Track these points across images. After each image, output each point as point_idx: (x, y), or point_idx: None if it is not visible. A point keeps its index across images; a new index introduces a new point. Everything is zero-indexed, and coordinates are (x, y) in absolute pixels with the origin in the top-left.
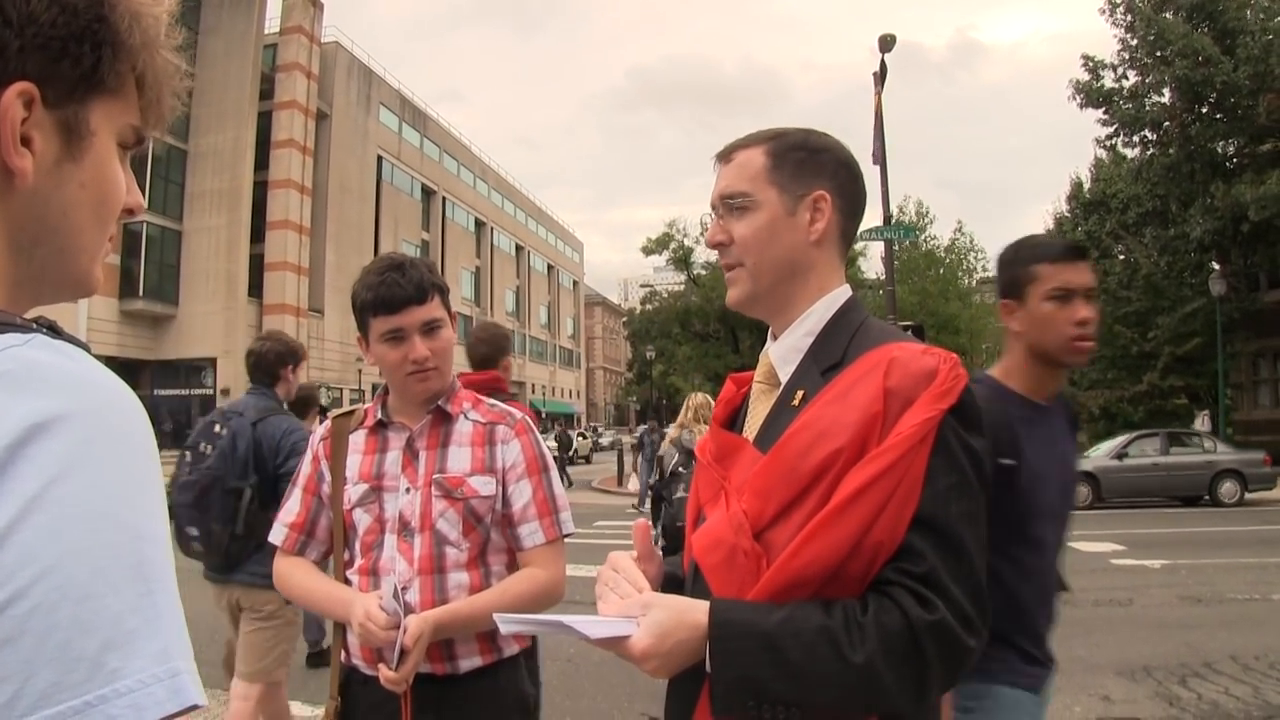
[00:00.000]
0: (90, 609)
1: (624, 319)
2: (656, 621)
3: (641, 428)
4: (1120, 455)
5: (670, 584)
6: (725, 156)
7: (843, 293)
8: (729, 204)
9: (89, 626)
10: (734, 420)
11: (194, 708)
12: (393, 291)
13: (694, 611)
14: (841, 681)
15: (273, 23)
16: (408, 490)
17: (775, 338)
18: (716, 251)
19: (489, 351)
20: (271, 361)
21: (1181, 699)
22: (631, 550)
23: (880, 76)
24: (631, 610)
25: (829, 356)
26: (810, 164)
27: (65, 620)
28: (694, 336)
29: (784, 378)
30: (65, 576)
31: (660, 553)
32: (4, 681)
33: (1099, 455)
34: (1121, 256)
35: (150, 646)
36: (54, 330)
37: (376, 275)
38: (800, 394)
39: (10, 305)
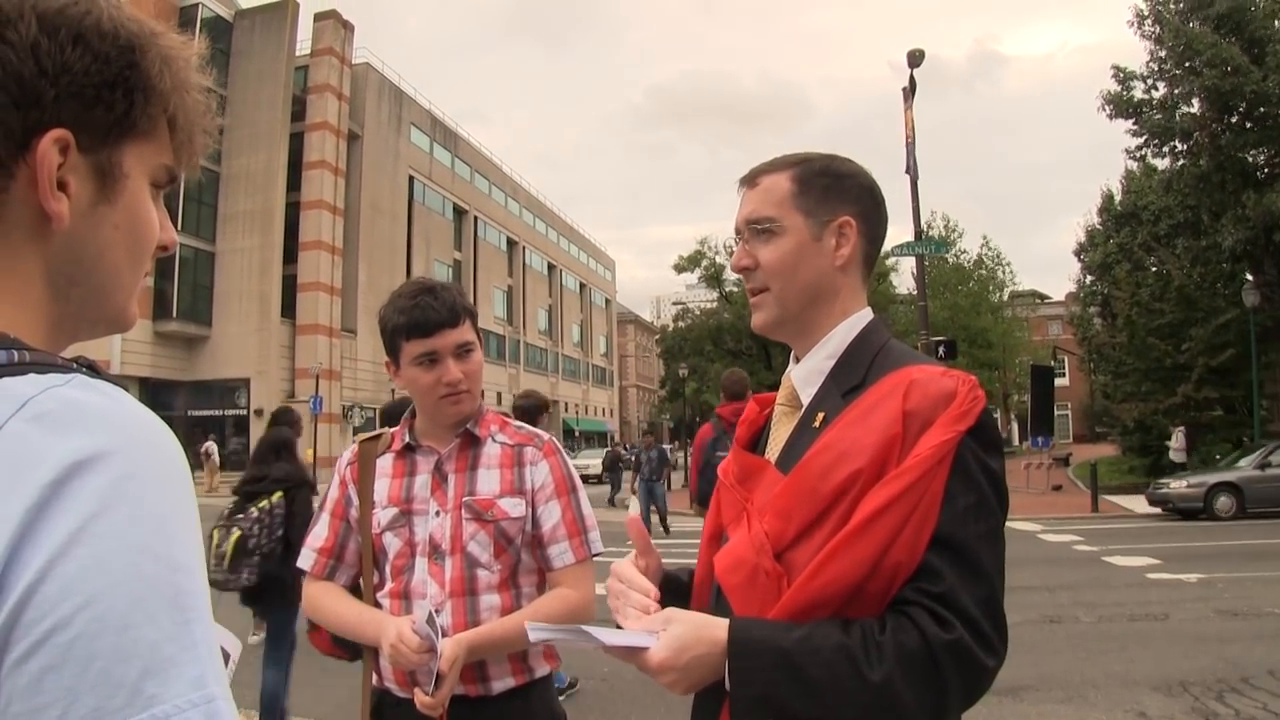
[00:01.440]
0: (130, 638)
1: (656, 337)
2: (675, 636)
3: (635, 446)
4: (1263, 465)
5: (668, 581)
6: (750, 181)
7: (864, 315)
8: (755, 229)
9: (128, 654)
10: (756, 442)
11: None
12: (426, 315)
13: (713, 628)
14: (859, 700)
15: (304, 45)
16: (437, 513)
17: (798, 360)
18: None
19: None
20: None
21: (1219, 715)
22: (630, 554)
23: (910, 91)
24: (653, 625)
25: (850, 379)
26: (835, 190)
27: (106, 649)
28: (726, 354)
29: (805, 400)
30: (106, 607)
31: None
32: (49, 707)
33: (1242, 467)
34: (1154, 269)
35: (187, 674)
36: (93, 370)
37: (409, 299)
38: (821, 416)
39: (50, 344)
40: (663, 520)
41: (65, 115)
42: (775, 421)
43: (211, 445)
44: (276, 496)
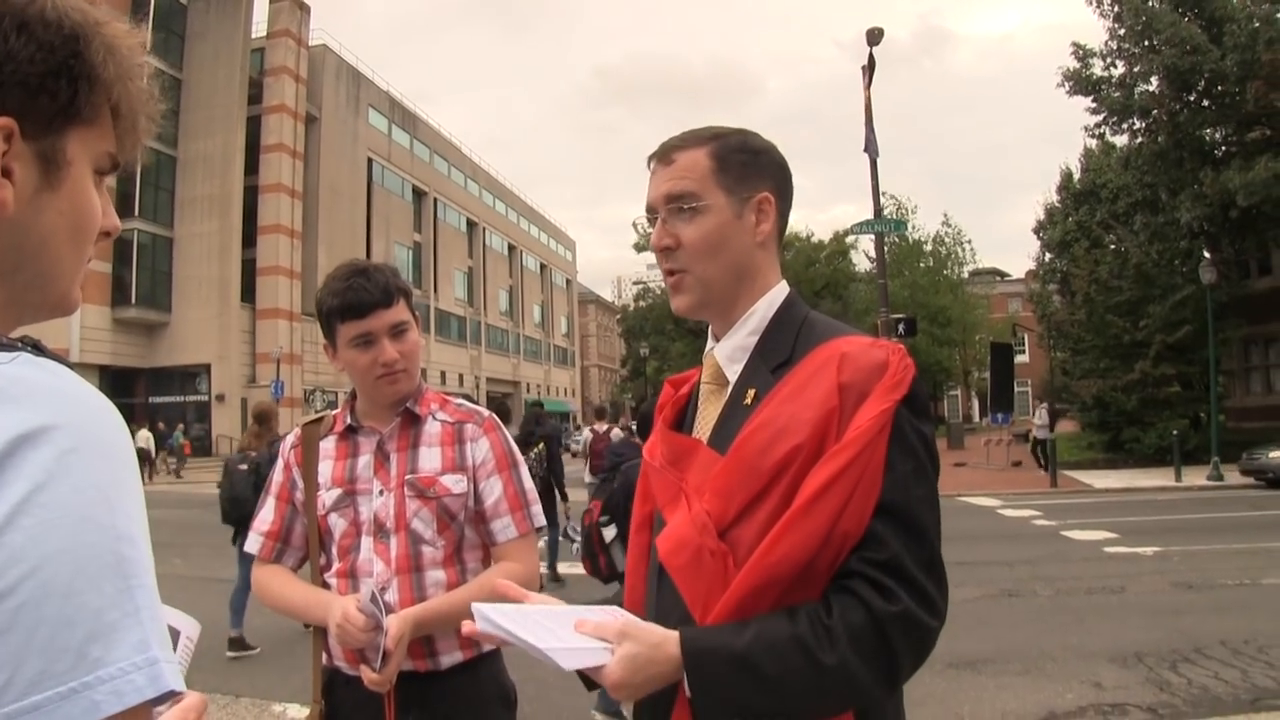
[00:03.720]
0: (74, 604)
1: (618, 316)
2: (629, 656)
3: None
4: None
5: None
6: (664, 157)
7: (781, 290)
8: (675, 207)
9: (72, 620)
10: (681, 422)
11: (172, 694)
12: (360, 296)
13: (666, 645)
14: (818, 685)
15: (259, 26)
16: (381, 492)
17: (717, 338)
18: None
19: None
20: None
21: (1172, 684)
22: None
23: (869, 69)
24: (606, 633)
25: (777, 354)
26: (753, 166)
27: (51, 615)
28: (687, 333)
29: (732, 377)
30: (50, 574)
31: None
32: None
33: None
34: (1112, 246)
35: (130, 638)
36: (38, 349)
37: (342, 281)
38: (752, 393)
39: None
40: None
41: (9, 103)
42: (702, 400)
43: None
44: (540, 446)
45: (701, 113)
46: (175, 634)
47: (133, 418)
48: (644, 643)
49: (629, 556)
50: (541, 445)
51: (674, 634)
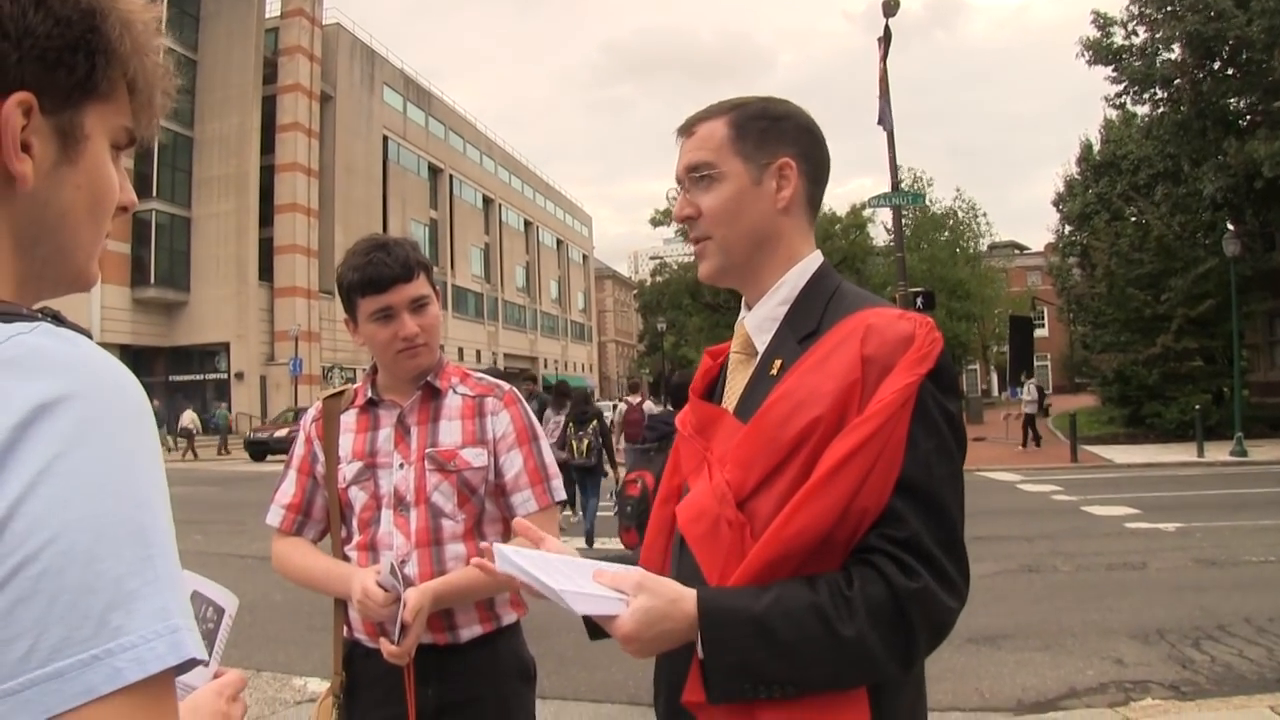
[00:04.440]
0: (94, 571)
1: (635, 291)
2: (644, 608)
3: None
4: None
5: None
6: (687, 130)
7: (814, 259)
8: (695, 176)
9: (94, 587)
10: (712, 391)
11: (193, 661)
12: (380, 271)
13: (683, 601)
14: (834, 656)
15: (273, 6)
16: (401, 466)
17: (749, 307)
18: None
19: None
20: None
21: (1195, 661)
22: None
23: (885, 41)
24: (623, 584)
25: (805, 325)
26: (773, 131)
27: (72, 582)
28: (704, 307)
29: (760, 347)
30: (71, 542)
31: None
32: (19, 637)
33: None
34: (1133, 218)
35: (150, 605)
36: (58, 319)
37: (362, 256)
38: (778, 363)
39: (16, 300)
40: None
41: (28, 78)
42: (731, 370)
43: (190, 416)
44: (594, 423)
45: (712, 87)
46: (220, 610)
47: (153, 396)
48: (660, 596)
49: (649, 527)
50: (595, 422)
51: (691, 591)
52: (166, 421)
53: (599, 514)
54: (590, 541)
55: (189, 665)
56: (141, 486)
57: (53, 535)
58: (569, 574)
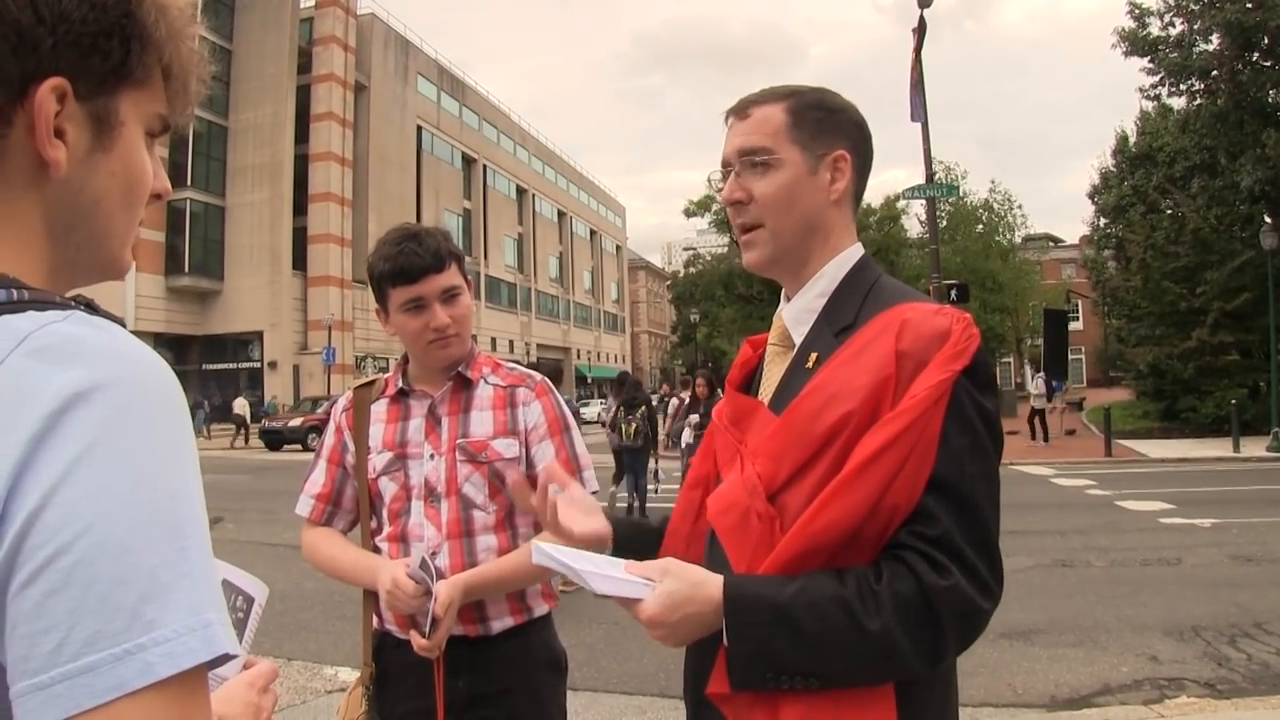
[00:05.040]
0: (127, 563)
1: (668, 282)
2: (669, 592)
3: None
4: None
5: (635, 531)
6: (740, 112)
7: (854, 252)
8: (749, 161)
9: (126, 579)
10: (750, 383)
11: (226, 656)
12: (411, 261)
13: (708, 586)
14: (859, 650)
15: None
16: (432, 456)
17: (789, 299)
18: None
19: None
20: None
21: (1231, 659)
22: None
23: (920, 32)
24: (649, 572)
25: (842, 318)
26: (829, 123)
27: (105, 574)
28: (738, 298)
29: (797, 339)
30: (104, 533)
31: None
32: (51, 630)
33: None
34: (1169, 211)
35: (184, 599)
36: (91, 307)
37: (393, 246)
38: (814, 356)
39: (49, 288)
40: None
41: (62, 63)
42: (768, 362)
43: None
44: (643, 409)
45: (743, 79)
46: (249, 599)
47: (186, 385)
48: (684, 580)
49: (675, 510)
50: (643, 407)
51: (718, 577)
52: (203, 409)
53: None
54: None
55: (221, 660)
56: (176, 477)
57: (86, 526)
58: (599, 563)
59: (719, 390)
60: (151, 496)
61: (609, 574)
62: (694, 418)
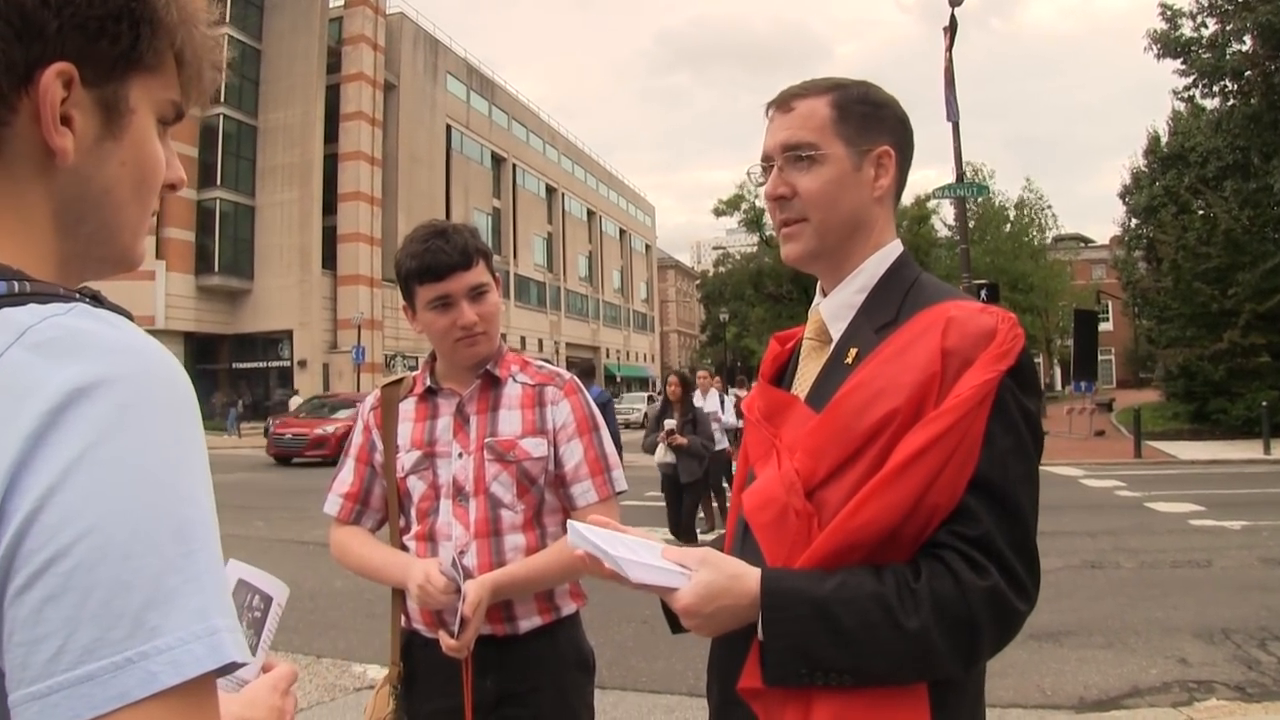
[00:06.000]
0: (131, 568)
1: (697, 282)
2: (705, 582)
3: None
4: None
5: None
6: (783, 105)
7: (894, 248)
8: (793, 155)
9: (129, 585)
10: (781, 377)
11: (233, 665)
12: (438, 258)
13: (745, 579)
14: (895, 649)
15: None
16: (460, 455)
17: (825, 293)
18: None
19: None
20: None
21: (1261, 663)
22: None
23: (950, 30)
24: (687, 559)
25: (883, 314)
26: (874, 118)
27: (106, 578)
28: (767, 298)
29: (835, 335)
30: (106, 536)
31: None
32: (48, 637)
33: None
34: (1201, 212)
35: (190, 605)
36: (97, 299)
37: (420, 243)
38: (854, 352)
39: (59, 281)
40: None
41: (69, 48)
42: (804, 356)
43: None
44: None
45: (769, 78)
46: (268, 599)
47: (216, 384)
48: (721, 571)
49: (729, 514)
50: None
51: (755, 570)
52: (232, 407)
53: None
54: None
55: (229, 669)
56: (183, 478)
57: (86, 529)
58: (636, 549)
59: (694, 389)
60: (156, 498)
61: (645, 561)
62: (670, 422)
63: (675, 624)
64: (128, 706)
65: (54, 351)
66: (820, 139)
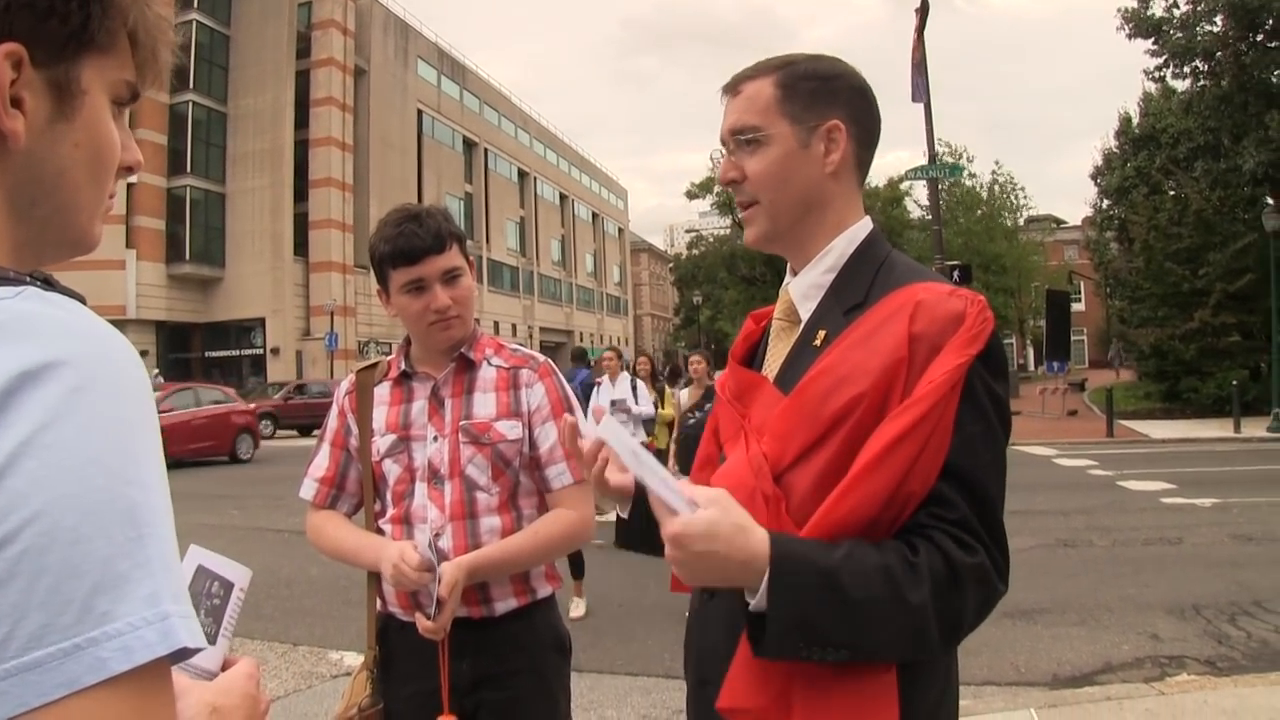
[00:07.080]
0: (80, 553)
1: (670, 264)
2: (709, 519)
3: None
4: None
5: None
6: (732, 89)
7: (863, 227)
8: (739, 139)
9: (78, 570)
10: (753, 357)
11: (185, 651)
12: (411, 242)
13: (751, 534)
14: (897, 622)
15: None
16: (435, 438)
17: (795, 273)
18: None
19: None
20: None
21: (1231, 637)
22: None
23: (922, 11)
24: (698, 496)
25: (852, 296)
26: (822, 92)
27: (55, 564)
28: (741, 280)
29: (805, 316)
30: (54, 521)
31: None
32: None
33: None
34: (1172, 193)
35: (140, 590)
36: (48, 283)
37: (394, 227)
38: (822, 334)
39: (15, 265)
40: None
41: (17, 28)
42: (773, 336)
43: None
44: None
45: (736, 56)
46: (228, 585)
47: (189, 373)
48: (729, 517)
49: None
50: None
51: (763, 531)
52: None
53: None
54: None
55: (181, 655)
56: (134, 462)
57: (34, 513)
58: (655, 465)
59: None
60: (107, 482)
61: (661, 475)
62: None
63: (623, 536)
64: (77, 693)
65: (1, 335)
66: (763, 120)
